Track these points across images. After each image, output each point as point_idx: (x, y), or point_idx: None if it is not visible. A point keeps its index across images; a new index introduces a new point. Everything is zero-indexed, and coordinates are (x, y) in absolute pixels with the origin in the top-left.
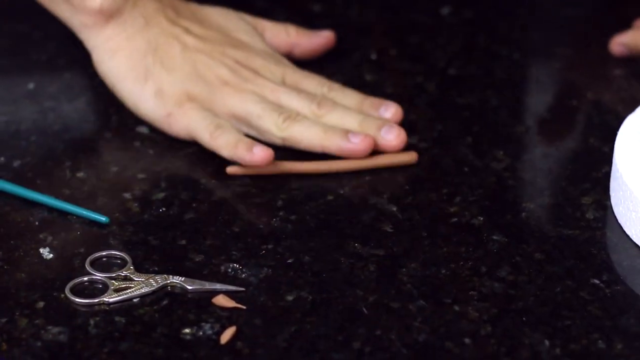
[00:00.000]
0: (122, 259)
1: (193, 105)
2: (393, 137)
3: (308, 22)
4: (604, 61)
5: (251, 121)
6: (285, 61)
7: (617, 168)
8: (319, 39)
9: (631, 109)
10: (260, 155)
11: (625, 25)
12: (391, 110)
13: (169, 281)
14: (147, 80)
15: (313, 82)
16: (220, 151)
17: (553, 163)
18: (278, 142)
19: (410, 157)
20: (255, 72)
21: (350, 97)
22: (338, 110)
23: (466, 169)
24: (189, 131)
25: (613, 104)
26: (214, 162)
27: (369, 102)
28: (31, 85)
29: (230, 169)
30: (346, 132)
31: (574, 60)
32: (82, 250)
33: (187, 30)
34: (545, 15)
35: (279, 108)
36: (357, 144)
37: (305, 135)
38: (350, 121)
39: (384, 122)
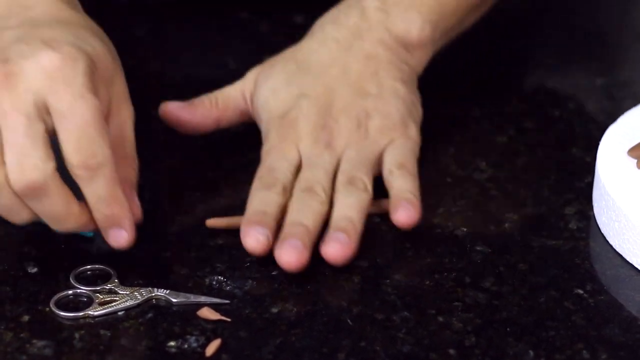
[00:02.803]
0: (106, 272)
1: None
2: None
3: (290, 35)
4: (586, 71)
5: None
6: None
7: (599, 178)
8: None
9: (613, 119)
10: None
11: (606, 35)
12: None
13: (153, 294)
14: None
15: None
16: None
17: (536, 173)
18: None
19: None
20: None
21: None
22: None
23: (449, 179)
24: None
25: (595, 113)
26: (197, 173)
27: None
28: None
29: (210, 222)
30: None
31: (556, 70)
32: (66, 263)
33: None
34: (527, 25)
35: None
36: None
37: None
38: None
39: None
